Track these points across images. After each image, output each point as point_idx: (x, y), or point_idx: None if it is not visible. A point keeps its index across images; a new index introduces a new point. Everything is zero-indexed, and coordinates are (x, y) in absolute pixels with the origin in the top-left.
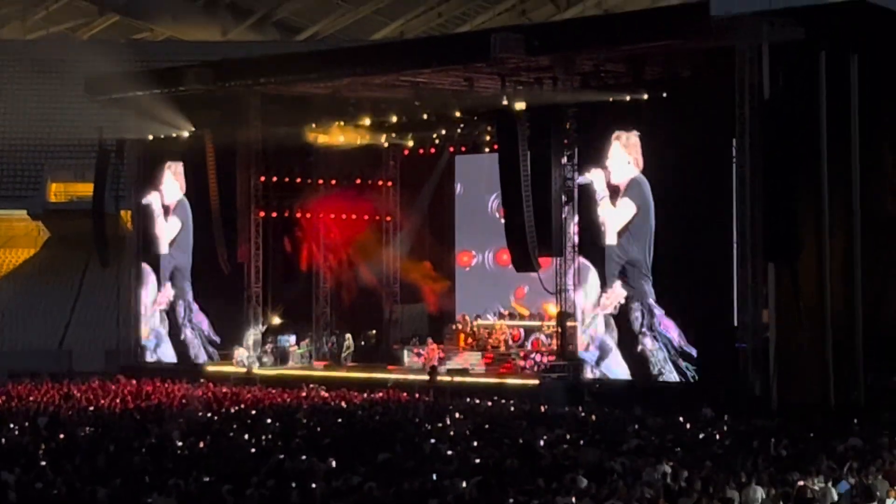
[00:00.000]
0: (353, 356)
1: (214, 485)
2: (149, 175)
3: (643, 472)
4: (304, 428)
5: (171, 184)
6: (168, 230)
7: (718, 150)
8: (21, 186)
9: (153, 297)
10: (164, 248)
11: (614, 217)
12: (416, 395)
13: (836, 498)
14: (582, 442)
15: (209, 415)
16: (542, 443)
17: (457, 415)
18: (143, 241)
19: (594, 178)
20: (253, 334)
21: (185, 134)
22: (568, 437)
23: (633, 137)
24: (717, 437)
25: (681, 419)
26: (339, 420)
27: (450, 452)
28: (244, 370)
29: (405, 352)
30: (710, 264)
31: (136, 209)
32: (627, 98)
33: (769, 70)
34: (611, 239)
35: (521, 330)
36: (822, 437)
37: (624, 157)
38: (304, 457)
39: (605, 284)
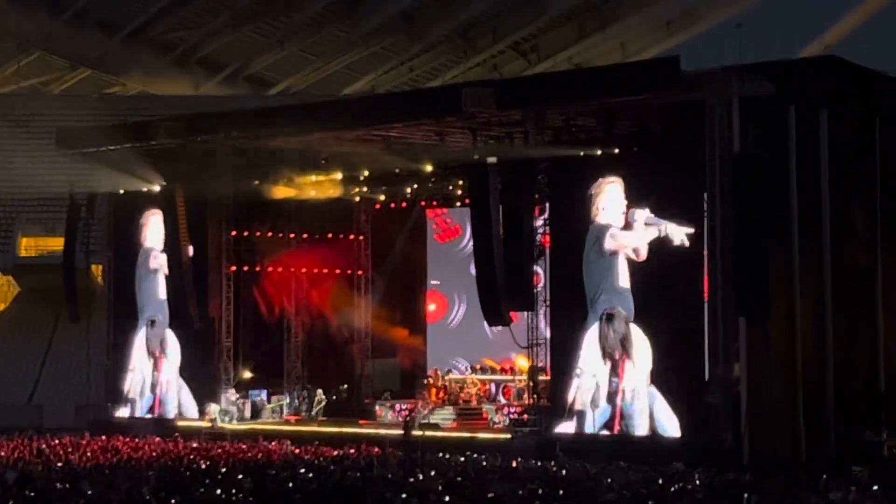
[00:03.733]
0: (324, 411)
1: None
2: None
3: None
4: (276, 483)
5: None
6: (150, 283)
7: (689, 204)
8: None
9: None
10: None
11: None
12: (388, 450)
13: None
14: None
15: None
16: (514, 498)
17: (431, 472)
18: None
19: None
20: (224, 389)
21: (157, 188)
22: (540, 492)
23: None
24: (689, 490)
25: (652, 473)
26: (311, 475)
27: None
28: (215, 425)
29: (377, 406)
30: (682, 318)
31: (108, 263)
32: (599, 152)
33: (739, 124)
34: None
35: (492, 385)
36: (794, 491)
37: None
38: None
39: None
